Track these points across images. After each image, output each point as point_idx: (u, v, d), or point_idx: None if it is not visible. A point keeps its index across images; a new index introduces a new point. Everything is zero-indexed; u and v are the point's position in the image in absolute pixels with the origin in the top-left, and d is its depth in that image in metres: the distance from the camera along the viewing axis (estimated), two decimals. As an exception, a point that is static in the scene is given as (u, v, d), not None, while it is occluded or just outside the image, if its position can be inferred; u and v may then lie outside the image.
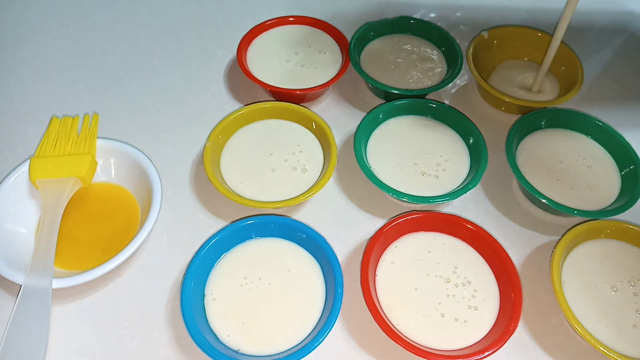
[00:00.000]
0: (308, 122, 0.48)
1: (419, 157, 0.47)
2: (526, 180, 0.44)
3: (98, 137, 0.46)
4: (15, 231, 0.41)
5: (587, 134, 0.50)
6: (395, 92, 0.51)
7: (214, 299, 0.38)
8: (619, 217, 0.43)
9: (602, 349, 0.36)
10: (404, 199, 0.43)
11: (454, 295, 0.39)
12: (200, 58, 0.58)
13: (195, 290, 0.38)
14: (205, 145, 0.45)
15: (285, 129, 0.49)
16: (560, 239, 0.41)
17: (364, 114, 0.53)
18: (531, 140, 0.49)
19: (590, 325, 0.38)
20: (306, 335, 0.37)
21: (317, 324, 0.37)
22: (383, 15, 0.62)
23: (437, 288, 0.40)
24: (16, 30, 0.59)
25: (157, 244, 0.43)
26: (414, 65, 0.55)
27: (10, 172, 0.43)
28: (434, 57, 0.56)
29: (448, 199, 0.44)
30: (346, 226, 0.45)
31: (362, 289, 0.38)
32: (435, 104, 0.50)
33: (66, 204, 0.41)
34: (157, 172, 0.43)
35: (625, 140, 0.48)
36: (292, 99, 0.51)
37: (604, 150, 0.49)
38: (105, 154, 0.45)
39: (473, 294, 0.40)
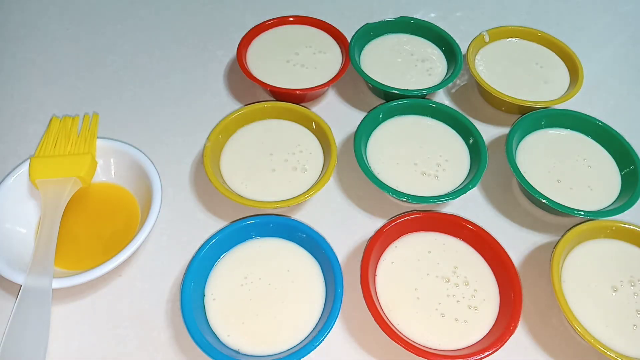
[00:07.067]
0: (308, 122, 0.48)
1: (419, 157, 0.47)
2: (526, 180, 0.44)
3: (98, 137, 0.46)
4: (15, 231, 0.41)
5: (587, 134, 0.50)
6: (395, 92, 0.51)
7: (214, 299, 0.38)
8: (619, 217, 0.43)
9: (602, 349, 0.36)
10: (404, 199, 0.43)
11: (454, 295, 0.39)
12: (200, 58, 0.58)
13: (195, 290, 0.38)
14: (205, 145, 0.45)
15: (285, 129, 0.49)
16: (560, 239, 0.41)
17: (364, 114, 0.53)
18: (531, 140, 0.49)
19: (590, 325, 0.38)
20: (306, 335, 0.37)
21: (317, 324, 0.37)
22: (383, 15, 0.62)
23: (437, 288, 0.40)
24: (16, 30, 0.59)
25: (157, 244, 0.43)
26: (413, 65, 0.55)
27: (10, 172, 0.43)
28: (434, 57, 0.56)
29: (448, 199, 0.44)
30: (346, 226, 0.45)
31: (362, 289, 0.38)
32: (435, 104, 0.50)
33: (66, 204, 0.41)
34: (157, 172, 0.43)
35: (625, 140, 0.48)
36: (292, 99, 0.51)
37: (604, 150, 0.49)
38: (105, 154, 0.45)
39: (473, 294, 0.40)
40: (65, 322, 0.39)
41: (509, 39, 0.58)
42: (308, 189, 0.43)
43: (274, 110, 0.49)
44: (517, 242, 0.45)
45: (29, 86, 0.54)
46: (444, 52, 0.56)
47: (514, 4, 0.67)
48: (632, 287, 0.40)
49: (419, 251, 0.42)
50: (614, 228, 0.42)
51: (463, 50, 0.55)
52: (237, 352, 0.36)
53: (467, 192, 0.44)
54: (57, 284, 0.37)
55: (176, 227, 0.44)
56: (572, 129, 0.50)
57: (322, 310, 0.38)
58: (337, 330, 0.39)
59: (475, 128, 0.48)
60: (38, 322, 0.35)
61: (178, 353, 0.38)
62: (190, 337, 0.35)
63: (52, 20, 0.60)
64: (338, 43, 0.56)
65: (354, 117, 0.52)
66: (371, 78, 0.51)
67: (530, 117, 0.49)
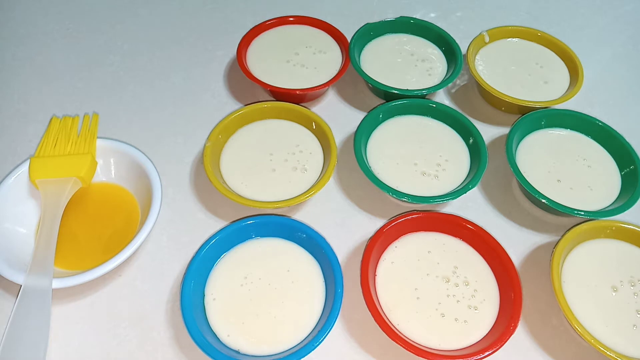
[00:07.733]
0: (308, 122, 0.48)
1: (419, 157, 0.47)
2: (526, 180, 0.44)
3: (98, 137, 0.46)
4: (15, 231, 0.41)
5: (587, 134, 0.50)
6: (395, 92, 0.51)
7: (214, 299, 0.38)
8: (619, 217, 0.43)
9: (602, 349, 0.36)
10: (404, 199, 0.43)
11: (453, 295, 0.39)
12: (200, 58, 0.58)
13: (195, 290, 0.38)
14: (205, 145, 0.45)
15: (285, 129, 0.49)
16: (560, 239, 0.41)
17: (364, 114, 0.53)
18: (531, 140, 0.49)
19: (590, 325, 0.38)
20: (306, 335, 0.37)
21: (317, 324, 0.37)
22: (383, 15, 0.62)
23: (437, 288, 0.40)
24: (16, 30, 0.59)
25: (157, 244, 0.43)
26: (413, 65, 0.55)
27: (10, 172, 0.43)
28: (434, 57, 0.56)
29: (448, 199, 0.44)
30: (346, 226, 0.45)
31: (362, 289, 0.38)
32: (435, 104, 0.50)
33: (66, 204, 0.41)
34: (157, 172, 0.43)
35: (625, 140, 0.48)
36: (292, 99, 0.51)
37: (604, 150, 0.49)
38: (105, 154, 0.45)
39: (473, 294, 0.40)
40: (65, 322, 0.39)
41: (509, 39, 0.58)
42: (308, 189, 0.43)
43: (274, 110, 0.49)
44: (517, 242, 0.45)
45: (29, 86, 0.54)
46: (444, 52, 0.56)
47: (514, 4, 0.67)
48: (632, 287, 0.40)
49: (419, 251, 0.42)
50: (614, 228, 0.43)
51: (463, 50, 0.55)
52: (237, 352, 0.36)
53: (467, 192, 0.44)
54: (57, 284, 0.37)
55: (176, 227, 0.44)
56: (572, 129, 0.50)
57: (322, 310, 0.38)
58: (337, 330, 0.39)
59: (475, 128, 0.48)
60: (38, 322, 0.35)
61: (178, 353, 0.38)
62: (190, 337, 0.35)
63: (52, 20, 0.60)
64: (338, 43, 0.56)
65: (354, 117, 0.52)
66: (371, 78, 0.51)
67: (530, 117, 0.49)
